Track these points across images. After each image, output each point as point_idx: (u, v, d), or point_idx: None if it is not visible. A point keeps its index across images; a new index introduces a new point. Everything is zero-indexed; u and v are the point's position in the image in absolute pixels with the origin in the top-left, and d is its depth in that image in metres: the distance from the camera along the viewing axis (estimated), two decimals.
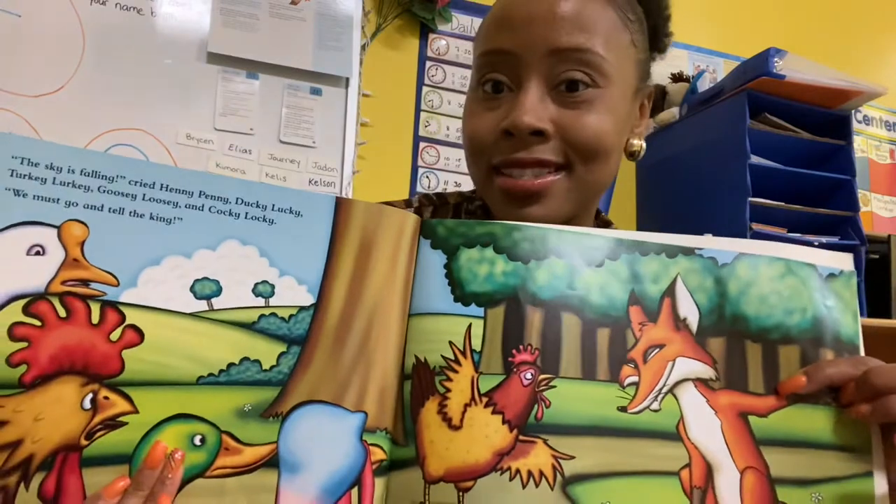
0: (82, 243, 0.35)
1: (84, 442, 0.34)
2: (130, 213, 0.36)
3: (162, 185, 0.36)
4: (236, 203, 0.37)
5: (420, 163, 1.56)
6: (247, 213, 0.37)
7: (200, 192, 0.37)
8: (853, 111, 1.43)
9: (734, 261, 0.36)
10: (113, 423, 0.34)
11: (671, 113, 1.57)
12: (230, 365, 0.36)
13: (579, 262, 0.36)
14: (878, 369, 0.32)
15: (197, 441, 0.35)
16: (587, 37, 0.42)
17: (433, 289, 0.37)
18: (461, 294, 0.36)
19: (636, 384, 0.34)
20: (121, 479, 0.33)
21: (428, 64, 1.56)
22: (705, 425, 0.34)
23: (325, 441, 0.35)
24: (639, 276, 0.36)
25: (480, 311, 0.36)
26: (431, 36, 1.57)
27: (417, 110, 1.54)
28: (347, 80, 1.35)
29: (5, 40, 1.10)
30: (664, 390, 0.34)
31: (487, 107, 0.45)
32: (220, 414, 0.35)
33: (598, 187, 0.46)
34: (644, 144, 0.49)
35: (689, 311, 0.35)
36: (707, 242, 0.36)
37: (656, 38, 0.49)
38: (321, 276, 0.37)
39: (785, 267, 0.36)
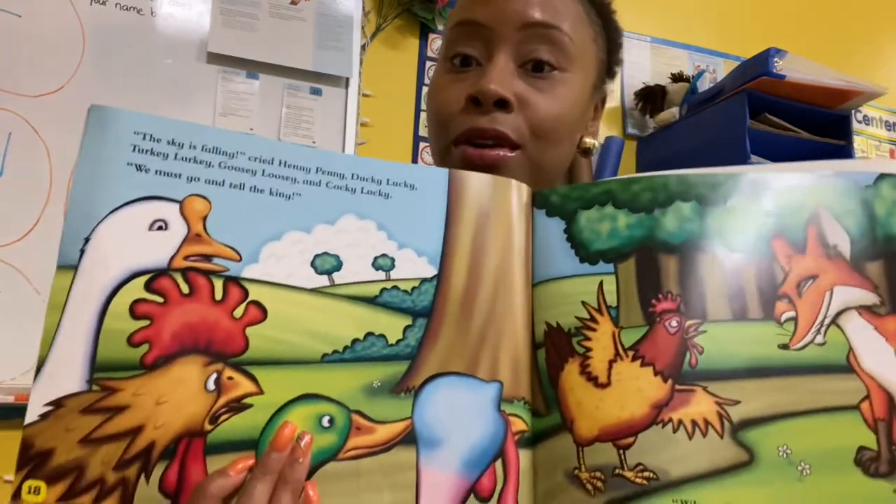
0: (204, 218, 0.36)
1: (208, 427, 0.34)
2: (251, 188, 0.37)
3: (280, 161, 0.37)
4: (352, 178, 0.38)
5: (420, 163, 1.57)
6: (363, 188, 0.38)
7: (317, 168, 0.38)
8: (853, 111, 1.49)
9: (876, 181, 0.36)
10: (238, 406, 0.34)
11: (671, 113, 1.62)
12: (355, 341, 0.36)
13: (707, 202, 0.36)
14: None
15: (325, 422, 0.35)
16: (556, 16, 0.46)
17: (556, 254, 0.38)
18: (586, 254, 0.37)
19: (794, 319, 0.34)
20: (248, 457, 0.33)
21: (428, 64, 1.59)
22: (878, 354, 0.34)
23: (462, 413, 0.35)
24: (776, 208, 0.36)
25: (610, 266, 0.36)
26: (431, 36, 1.60)
27: (417, 110, 1.56)
28: (347, 80, 1.37)
29: (5, 40, 1.12)
30: (826, 322, 0.34)
31: (455, 79, 0.48)
32: (347, 392, 0.35)
33: (550, 171, 0.49)
34: (597, 143, 0.54)
35: (839, 238, 0.35)
36: (843, 166, 0.37)
37: (609, 60, 0.54)
38: (441, 248, 0.38)
39: None
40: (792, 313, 0.35)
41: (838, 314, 0.34)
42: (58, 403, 0.32)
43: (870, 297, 0.35)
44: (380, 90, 1.48)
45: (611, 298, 0.36)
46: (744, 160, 1.37)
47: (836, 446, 0.33)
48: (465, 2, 0.49)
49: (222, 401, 0.34)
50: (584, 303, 0.36)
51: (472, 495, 0.34)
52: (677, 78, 1.66)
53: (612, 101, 1.71)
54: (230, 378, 0.34)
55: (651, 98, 1.65)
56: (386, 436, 0.35)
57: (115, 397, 0.33)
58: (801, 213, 0.36)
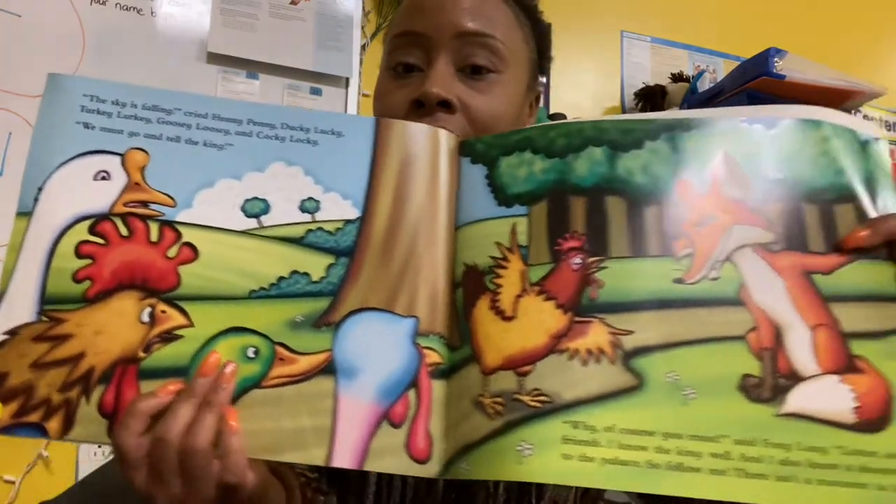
0: (143, 169, 0.40)
1: (142, 355, 0.37)
2: (186, 140, 0.40)
3: (214, 114, 0.41)
4: (281, 128, 0.41)
5: None
6: (291, 136, 0.41)
7: (248, 119, 0.41)
8: (853, 111, 1.48)
9: (781, 126, 0.38)
10: (169, 337, 0.38)
11: None
12: (280, 278, 0.39)
13: (619, 146, 0.38)
14: None
15: (250, 353, 0.38)
16: (489, 24, 0.50)
17: (476, 199, 0.40)
18: (504, 197, 0.40)
19: (691, 255, 0.36)
20: (176, 381, 0.36)
21: None
22: (769, 288, 0.35)
23: (379, 345, 0.38)
24: (683, 152, 0.38)
25: (524, 209, 0.39)
26: None
27: None
28: (347, 80, 1.40)
29: (5, 40, 1.16)
30: (721, 258, 0.36)
31: (399, 85, 0.51)
32: (272, 326, 0.38)
33: None
34: None
35: (740, 180, 0.37)
36: (751, 112, 0.38)
37: (541, 58, 0.57)
38: (365, 191, 0.40)
39: (830, 129, 0.37)
40: (689, 250, 0.36)
41: (734, 251, 0.36)
42: (13, 332, 0.37)
43: (765, 235, 0.36)
44: None
45: (522, 238, 0.38)
46: None
47: (722, 373, 0.34)
48: (403, 14, 0.53)
49: (155, 331, 0.37)
50: (497, 243, 0.39)
51: (385, 421, 0.37)
52: (677, 78, 1.66)
53: (612, 101, 1.72)
54: (163, 311, 0.38)
55: (651, 98, 1.65)
56: (307, 366, 0.38)
57: (60, 327, 0.37)
58: (707, 156, 0.38)
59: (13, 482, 1.06)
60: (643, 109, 1.68)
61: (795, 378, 0.34)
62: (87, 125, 0.39)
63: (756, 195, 0.37)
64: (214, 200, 0.39)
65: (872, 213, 0.37)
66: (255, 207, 0.40)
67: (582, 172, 0.38)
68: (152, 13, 1.26)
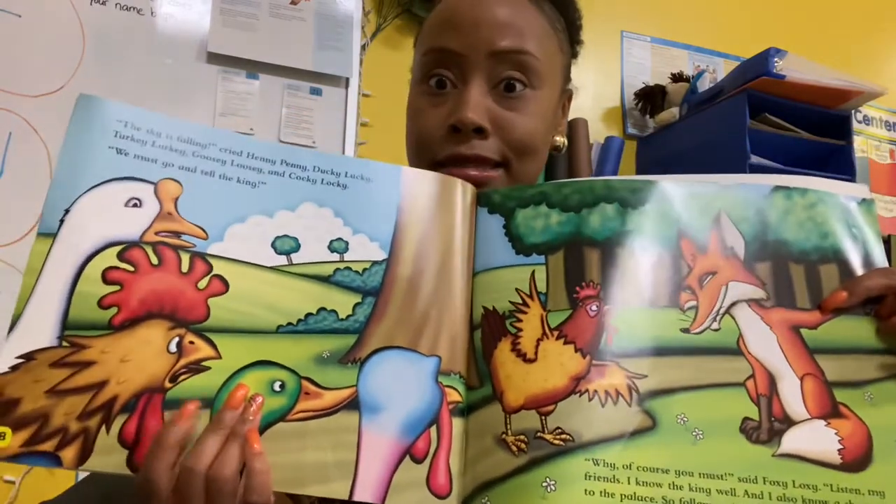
0: (176, 200, 0.41)
1: (168, 385, 0.38)
2: (220, 176, 0.42)
3: (248, 153, 0.43)
4: (313, 170, 0.44)
5: None
6: (322, 179, 0.44)
7: (282, 160, 0.44)
8: (853, 111, 1.53)
9: (771, 193, 0.44)
10: (196, 367, 0.39)
11: (671, 113, 1.66)
12: (308, 315, 0.41)
13: (628, 204, 0.43)
14: None
15: (277, 387, 0.40)
16: (524, 40, 0.51)
17: (495, 247, 0.44)
18: (522, 247, 0.43)
19: (695, 308, 0.41)
20: (191, 402, 0.37)
21: None
22: (763, 340, 0.40)
23: (402, 383, 0.41)
24: (685, 213, 0.43)
25: (542, 258, 0.43)
26: None
27: None
28: (347, 80, 1.42)
29: (5, 40, 1.16)
30: (721, 311, 0.41)
31: (432, 102, 0.52)
32: (299, 360, 0.40)
33: (532, 178, 0.55)
34: (565, 140, 0.59)
35: (735, 241, 0.43)
36: (744, 179, 0.44)
37: (571, 45, 0.59)
38: (391, 235, 0.43)
39: (815, 196, 0.44)
40: (693, 302, 0.41)
41: (731, 305, 0.42)
42: (28, 357, 0.37)
43: (758, 292, 0.42)
44: (380, 90, 1.53)
45: (541, 286, 0.42)
46: (744, 160, 1.42)
47: (725, 416, 0.39)
48: (435, 29, 0.54)
49: (183, 362, 0.39)
50: (517, 289, 0.42)
51: (407, 456, 0.39)
52: (677, 78, 1.71)
53: (612, 101, 1.75)
54: (191, 342, 0.39)
55: (651, 98, 1.70)
56: (332, 401, 0.40)
57: (83, 353, 0.38)
58: (705, 217, 0.43)
59: (13, 482, 1.05)
60: (643, 109, 1.71)
61: (788, 422, 0.39)
62: (120, 151, 0.41)
63: (749, 254, 0.43)
64: (245, 235, 0.41)
65: (858, 270, 0.42)
66: (286, 245, 0.42)
67: (596, 226, 0.43)
68: (152, 13, 1.27)
